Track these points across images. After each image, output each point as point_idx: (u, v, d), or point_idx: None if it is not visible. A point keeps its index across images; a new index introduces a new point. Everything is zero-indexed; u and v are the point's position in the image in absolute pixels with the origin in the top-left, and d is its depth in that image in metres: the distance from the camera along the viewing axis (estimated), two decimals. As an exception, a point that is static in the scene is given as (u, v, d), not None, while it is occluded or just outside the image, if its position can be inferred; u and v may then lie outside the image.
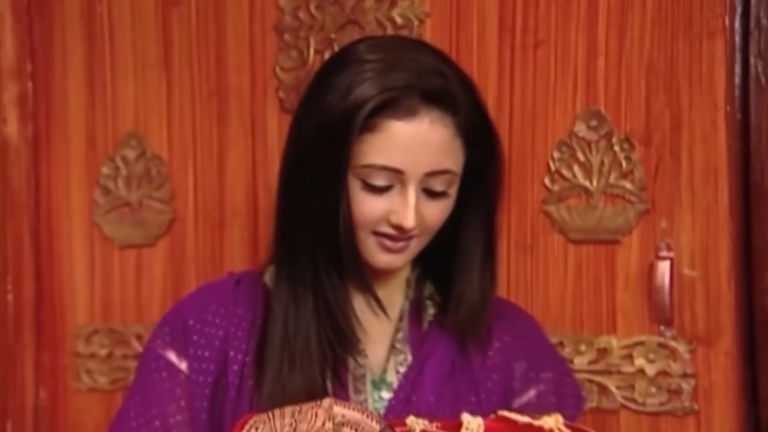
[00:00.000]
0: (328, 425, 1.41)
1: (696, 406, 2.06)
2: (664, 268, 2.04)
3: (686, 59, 2.03)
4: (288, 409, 1.44)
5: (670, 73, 2.04)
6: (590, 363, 2.11)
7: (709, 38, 2.02)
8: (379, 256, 1.58)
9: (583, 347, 2.11)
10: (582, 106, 2.09)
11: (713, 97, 2.03)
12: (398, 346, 1.68)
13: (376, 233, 1.56)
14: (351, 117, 1.48)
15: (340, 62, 1.54)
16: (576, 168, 2.10)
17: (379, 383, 1.68)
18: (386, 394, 1.64)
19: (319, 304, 1.58)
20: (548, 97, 2.11)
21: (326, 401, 1.44)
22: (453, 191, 1.58)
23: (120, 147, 2.36)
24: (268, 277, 1.70)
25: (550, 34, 2.09)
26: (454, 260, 1.63)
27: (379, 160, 1.51)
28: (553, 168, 2.11)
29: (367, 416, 1.44)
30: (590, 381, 2.11)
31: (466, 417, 1.46)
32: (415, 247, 1.60)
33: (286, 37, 2.24)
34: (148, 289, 2.35)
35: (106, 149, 2.38)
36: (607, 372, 2.10)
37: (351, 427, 1.43)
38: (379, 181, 1.52)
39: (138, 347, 2.30)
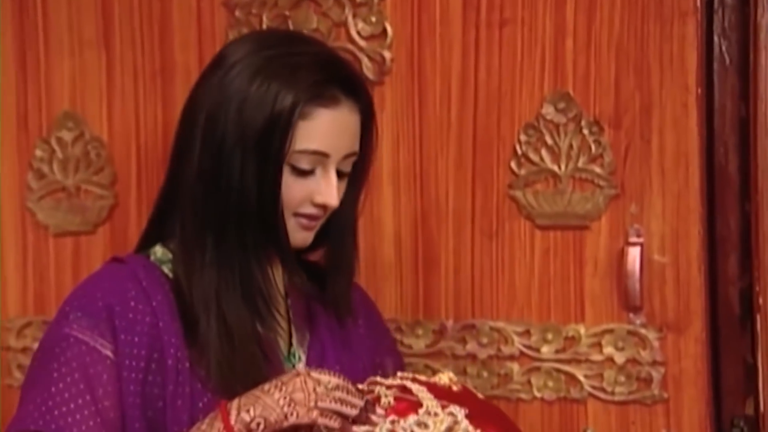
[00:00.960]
0: (320, 389, 1.50)
1: (665, 395, 2.04)
2: (633, 254, 2.01)
3: (657, 40, 2.01)
4: (268, 386, 1.52)
5: (640, 54, 2.02)
6: (557, 352, 2.08)
7: (681, 19, 2.00)
8: (298, 235, 1.69)
9: (550, 336, 2.08)
10: (550, 87, 2.06)
11: (684, 79, 2.01)
12: (295, 321, 1.76)
13: (297, 214, 1.68)
14: (290, 113, 1.61)
15: (254, 61, 1.65)
16: (544, 152, 2.07)
17: (290, 357, 1.76)
18: (300, 367, 1.71)
19: (246, 285, 1.65)
20: (515, 78, 2.07)
21: (301, 369, 1.54)
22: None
23: (55, 128, 2.30)
24: (157, 260, 1.72)
25: (517, 12, 2.06)
26: (330, 236, 1.75)
27: (312, 145, 1.64)
28: (519, 151, 2.08)
29: (344, 379, 1.53)
30: (557, 370, 2.08)
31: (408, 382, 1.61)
32: (320, 224, 1.72)
33: (237, 13, 2.18)
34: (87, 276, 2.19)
35: (40, 130, 2.31)
36: (574, 361, 2.07)
37: (341, 390, 1.51)
38: (307, 165, 1.65)
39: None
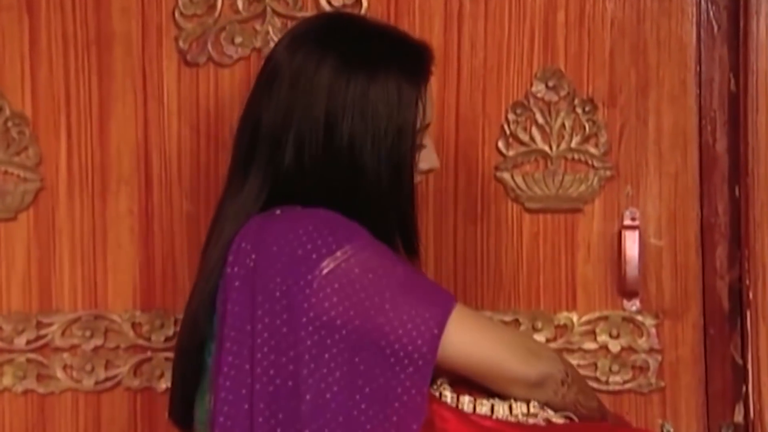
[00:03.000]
0: None
1: (662, 383, 2.01)
2: (629, 237, 1.97)
3: (654, 14, 1.98)
4: None
5: (636, 29, 1.99)
6: (548, 341, 2.01)
7: (679, -9, 1.97)
8: None
9: (540, 324, 2.02)
10: (540, 64, 2.00)
11: (683, 56, 1.98)
12: None
13: None
14: (416, 106, 1.61)
15: (361, 60, 1.61)
16: (534, 131, 2.01)
17: None
18: None
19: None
20: (501, 53, 2.01)
21: None
22: None
23: (-33, 103, 2.09)
24: None
25: (505, -19, 2.00)
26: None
27: (427, 119, 1.66)
28: (507, 131, 2.01)
29: None
30: None
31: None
32: None
33: (187, -25, 2.05)
34: (5, 271, 2.10)
35: (-50, 106, 2.10)
36: (566, 350, 2.01)
37: None
38: (425, 140, 1.67)
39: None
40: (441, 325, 1.52)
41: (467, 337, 1.55)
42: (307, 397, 1.49)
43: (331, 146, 1.59)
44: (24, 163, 2.08)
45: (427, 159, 1.68)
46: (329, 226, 1.55)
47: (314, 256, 1.52)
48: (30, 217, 2.09)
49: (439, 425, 1.53)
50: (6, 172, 2.08)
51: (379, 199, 1.61)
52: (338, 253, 1.53)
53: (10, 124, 2.07)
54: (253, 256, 1.54)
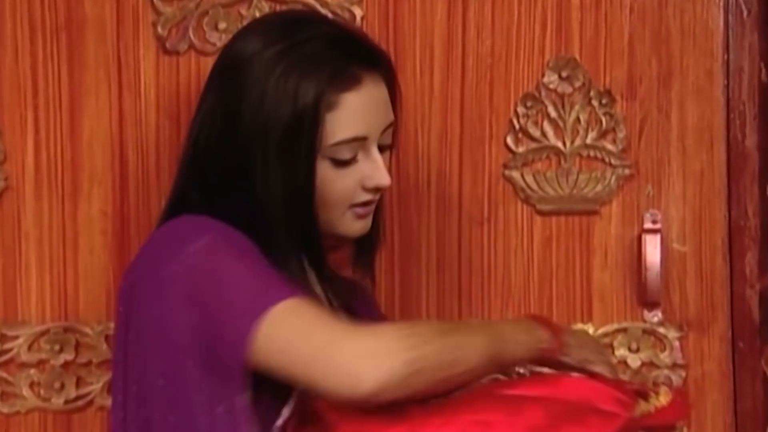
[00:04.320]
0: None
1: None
2: (651, 242, 1.92)
3: None
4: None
5: (658, 13, 1.94)
6: None
7: (704, -28, 1.96)
8: (356, 225, 1.67)
9: None
10: (552, 52, 1.96)
11: (708, 43, 1.94)
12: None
13: (352, 205, 1.66)
14: (315, 109, 1.58)
15: (268, 54, 1.62)
16: (546, 126, 1.96)
17: None
18: None
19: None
20: (510, 41, 1.97)
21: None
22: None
23: (-76, 95, 2.06)
24: None
25: (514, -39, 1.99)
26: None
27: (346, 134, 1.61)
28: (517, 126, 1.97)
29: None
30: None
31: None
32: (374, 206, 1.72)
33: (166, -44, 2.02)
34: None
35: None
36: None
37: None
38: (347, 154, 1.62)
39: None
40: (251, 327, 1.46)
41: (276, 344, 1.45)
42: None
43: (224, 140, 1.61)
44: (-14, 160, 2.04)
45: (372, 175, 1.64)
46: (177, 231, 1.58)
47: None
48: (-8, 219, 2.07)
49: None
50: (-33, 171, 2.03)
51: (269, 209, 1.60)
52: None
53: (-29, 118, 2.03)
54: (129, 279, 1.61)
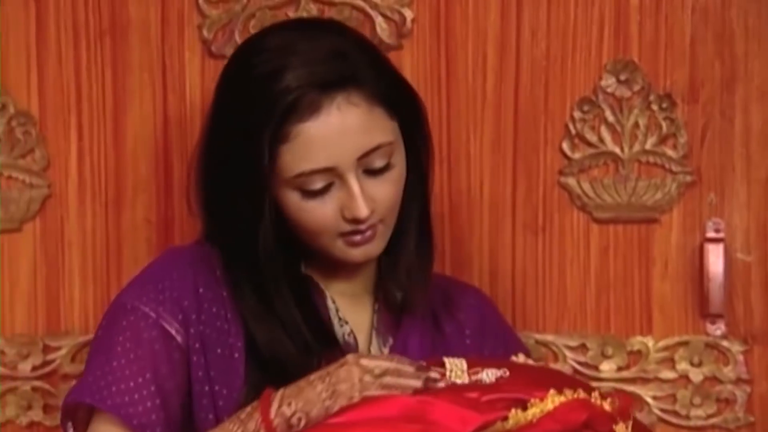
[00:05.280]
0: (367, 378, 1.49)
1: (751, 418, 1.93)
2: (712, 252, 1.90)
3: None
4: (314, 375, 1.53)
5: (720, 14, 1.91)
6: (620, 369, 1.95)
7: (771, -30, 1.92)
8: (353, 253, 1.65)
9: (610, 350, 1.94)
10: (610, 54, 1.93)
11: None
12: (378, 327, 1.73)
13: (341, 234, 1.63)
14: (259, 141, 1.57)
15: (234, 80, 1.66)
16: (603, 131, 1.94)
17: None
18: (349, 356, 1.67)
19: (285, 317, 1.66)
20: (567, 43, 1.94)
21: (350, 357, 1.53)
22: (397, 160, 1.65)
23: (-33, 100, 2.05)
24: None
25: (570, -40, 1.97)
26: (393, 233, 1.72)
27: (306, 166, 1.58)
28: (573, 131, 1.94)
29: (397, 361, 1.52)
30: (620, 391, 1.91)
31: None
32: (384, 229, 1.66)
33: (211, -43, 2.01)
34: (8, 288, 2.02)
35: (-52, 103, 2.05)
36: (641, 379, 1.95)
37: (391, 375, 1.50)
38: (317, 184, 1.60)
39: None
40: (68, 401, 1.61)
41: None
42: None
43: (205, 159, 1.66)
44: (30, 167, 2.01)
45: (348, 206, 1.60)
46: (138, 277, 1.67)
47: None
48: (36, 227, 2.02)
49: None
50: (10, 178, 2.01)
51: (237, 225, 1.63)
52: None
53: (14, 123, 2.00)
54: None
